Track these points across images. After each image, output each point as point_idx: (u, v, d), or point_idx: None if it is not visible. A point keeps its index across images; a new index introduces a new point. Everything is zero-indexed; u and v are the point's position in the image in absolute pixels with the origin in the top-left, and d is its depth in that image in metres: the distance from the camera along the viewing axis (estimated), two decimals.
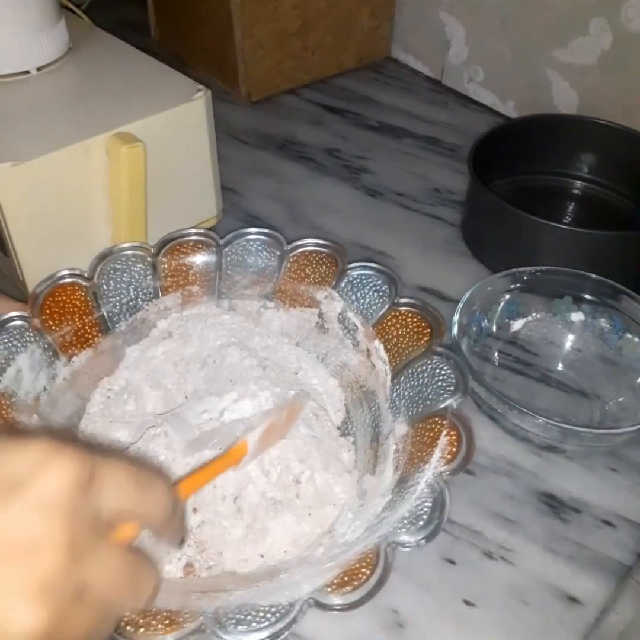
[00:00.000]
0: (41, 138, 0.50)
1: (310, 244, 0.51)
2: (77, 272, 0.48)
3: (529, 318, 0.52)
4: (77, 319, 0.48)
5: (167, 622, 0.30)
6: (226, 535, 0.39)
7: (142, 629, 0.30)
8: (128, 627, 0.30)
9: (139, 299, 0.50)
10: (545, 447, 0.45)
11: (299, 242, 0.51)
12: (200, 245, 0.52)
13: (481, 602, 0.40)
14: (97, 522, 0.25)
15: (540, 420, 0.41)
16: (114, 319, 0.49)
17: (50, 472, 0.24)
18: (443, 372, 0.41)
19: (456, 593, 0.40)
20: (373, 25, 0.86)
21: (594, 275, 0.50)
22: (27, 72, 0.56)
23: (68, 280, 0.47)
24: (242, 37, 0.77)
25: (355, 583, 0.31)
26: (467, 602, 0.40)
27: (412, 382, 0.43)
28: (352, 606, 0.31)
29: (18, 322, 0.45)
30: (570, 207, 0.67)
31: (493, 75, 0.80)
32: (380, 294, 0.48)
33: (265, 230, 0.52)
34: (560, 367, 0.51)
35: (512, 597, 0.40)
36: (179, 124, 0.54)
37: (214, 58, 0.84)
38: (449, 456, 0.36)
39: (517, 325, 0.52)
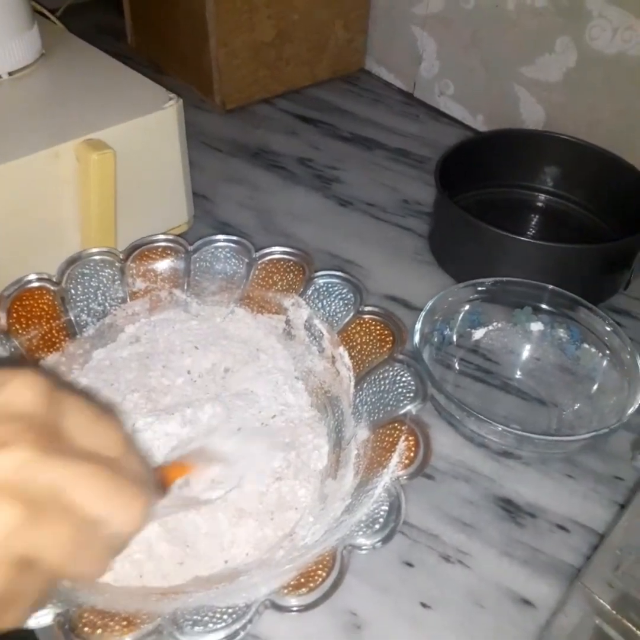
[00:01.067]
0: (11, 143, 0.50)
1: (278, 251, 0.52)
2: (45, 276, 0.48)
3: (490, 327, 0.54)
4: (44, 323, 0.48)
5: (124, 622, 0.31)
6: (190, 541, 0.39)
7: (99, 630, 0.30)
8: (85, 628, 0.31)
9: (107, 304, 0.51)
10: (502, 453, 0.46)
11: (267, 250, 0.52)
12: (169, 251, 0.52)
13: (438, 605, 0.41)
14: (63, 435, 0.25)
15: (498, 428, 0.43)
16: (82, 324, 0.50)
17: (15, 386, 0.24)
18: (404, 379, 0.42)
19: (414, 595, 0.41)
20: (347, 37, 0.88)
21: (552, 287, 0.51)
22: None
23: (35, 284, 0.48)
24: (217, 46, 0.78)
25: (311, 585, 0.32)
26: (424, 605, 0.41)
27: (374, 388, 0.44)
28: (307, 607, 0.31)
29: None
30: (535, 220, 0.69)
31: (463, 89, 0.82)
32: (346, 302, 0.49)
33: (234, 238, 0.53)
34: (519, 375, 0.53)
35: (467, 600, 0.41)
36: (150, 132, 0.55)
37: (189, 66, 0.84)
38: (406, 461, 0.37)
39: (478, 334, 0.54)
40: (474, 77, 0.80)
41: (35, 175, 0.50)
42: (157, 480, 0.31)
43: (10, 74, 0.57)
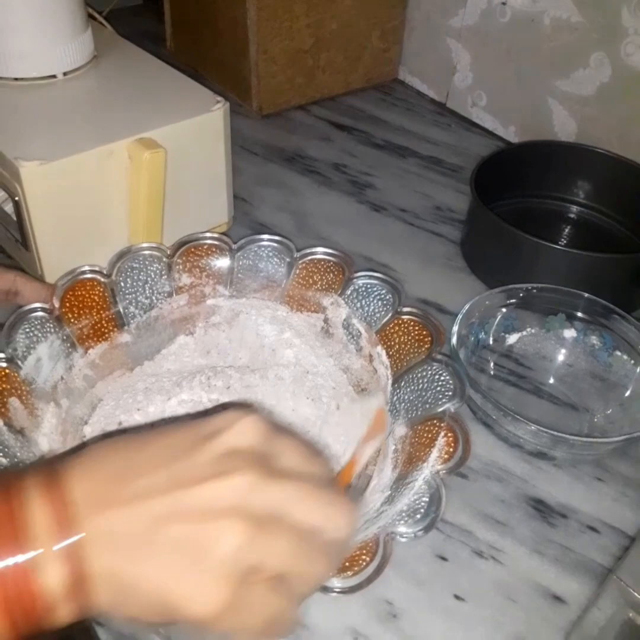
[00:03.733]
0: (67, 140, 0.52)
1: (319, 252, 0.54)
2: (97, 268, 0.50)
3: (524, 333, 0.55)
4: (94, 314, 0.50)
5: None
6: None
7: None
8: None
9: (154, 298, 0.53)
10: (535, 454, 0.47)
11: (308, 250, 0.54)
12: (214, 249, 0.54)
13: (470, 598, 0.42)
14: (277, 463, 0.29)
15: (533, 427, 0.44)
16: (130, 316, 0.51)
17: (242, 425, 0.29)
18: (442, 378, 0.44)
19: (447, 588, 0.42)
20: (382, 47, 0.90)
21: (587, 295, 0.52)
22: (54, 76, 0.58)
23: (88, 276, 0.49)
24: (256, 53, 0.80)
25: (356, 569, 0.33)
26: (457, 597, 0.42)
27: (412, 387, 0.45)
28: (352, 590, 0.33)
29: (40, 313, 0.47)
30: (566, 230, 0.70)
31: (496, 100, 0.83)
32: (384, 302, 0.51)
33: (277, 237, 0.55)
34: (551, 380, 0.54)
35: (500, 594, 0.42)
36: (197, 133, 0.57)
37: (227, 71, 0.86)
38: (446, 456, 0.39)
39: (512, 339, 0.55)
40: (507, 89, 0.81)
41: (89, 172, 0.52)
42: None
43: (65, 74, 0.59)
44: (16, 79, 0.57)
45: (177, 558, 0.26)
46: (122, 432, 0.37)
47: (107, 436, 0.32)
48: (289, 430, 0.32)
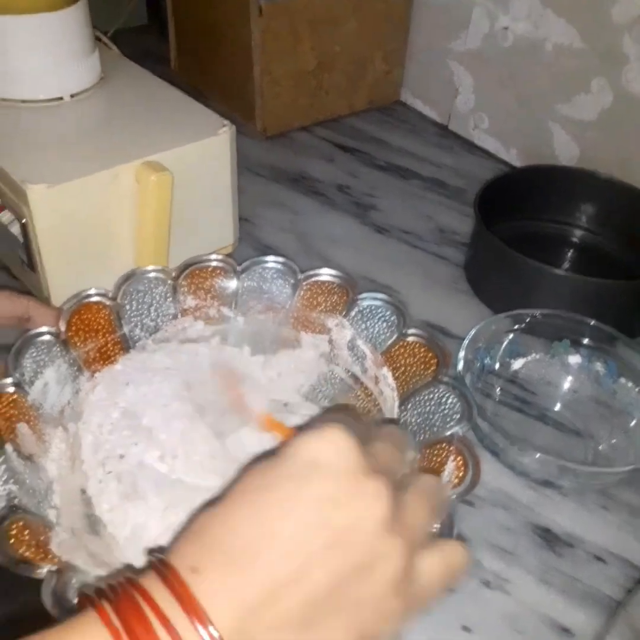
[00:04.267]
0: (74, 162, 0.52)
1: (323, 274, 0.54)
2: (103, 291, 0.50)
3: (529, 358, 0.55)
4: (100, 337, 0.49)
5: None
6: None
7: None
8: None
9: (159, 320, 0.52)
10: (542, 483, 0.47)
11: (312, 272, 0.54)
12: (219, 271, 0.54)
13: (478, 629, 0.42)
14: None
15: (539, 456, 0.44)
16: (135, 338, 0.51)
17: (341, 450, 0.27)
18: (449, 400, 0.44)
19: (455, 619, 0.42)
20: (385, 69, 0.90)
21: (592, 321, 0.53)
22: (61, 98, 0.59)
23: (94, 299, 0.49)
24: (260, 74, 0.81)
25: None
26: (465, 628, 0.42)
27: (419, 410, 0.45)
28: None
29: (46, 337, 0.46)
30: (569, 254, 0.70)
31: (498, 123, 0.84)
32: (389, 324, 0.50)
33: (281, 259, 0.55)
34: (557, 407, 0.54)
35: (507, 626, 0.42)
36: (203, 156, 0.57)
37: (231, 92, 0.87)
38: (456, 480, 0.38)
39: (517, 364, 0.55)
40: (509, 113, 0.82)
41: (96, 194, 0.52)
42: None
43: (72, 96, 0.59)
44: (23, 101, 0.58)
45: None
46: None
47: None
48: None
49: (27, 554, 0.36)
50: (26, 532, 0.37)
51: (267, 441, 0.48)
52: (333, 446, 0.27)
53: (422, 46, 0.89)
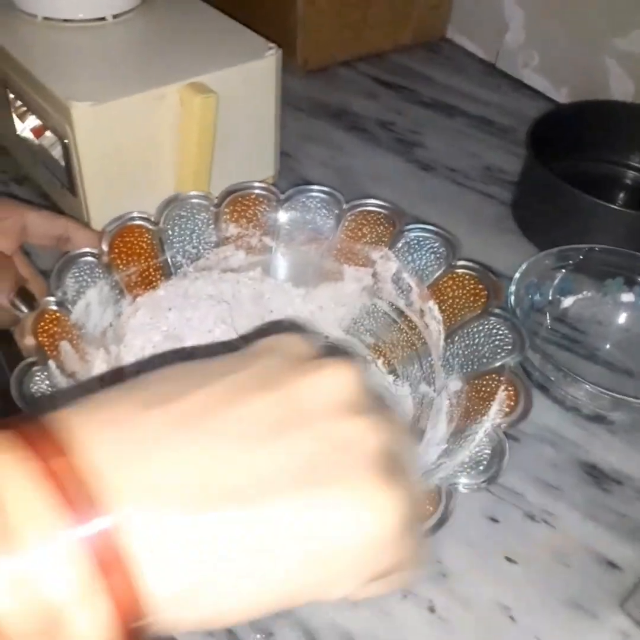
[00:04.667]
0: (118, 82, 0.51)
1: (369, 204, 0.52)
2: (145, 215, 0.49)
3: (580, 296, 0.53)
4: (142, 261, 0.49)
5: None
6: None
7: None
8: None
9: (201, 247, 0.52)
10: (592, 418, 0.46)
11: (358, 202, 0.52)
12: (261, 199, 0.53)
13: (522, 560, 0.41)
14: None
15: (593, 389, 0.42)
16: (177, 265, 0.51)
17: (293, 341, 0.24)
18: (500, 332, 0.42)
19: (498, 550, 0.41)
20: (432, 3, 0.87)
21: None
22: (104, 18, 0.57)
23: (137, 222, 0.48)
24: (304, 4, 0.78)
25: (420, 519, 0.32)
26: (508, 559, 0.41)
27: (467, 342, 0.44)
28: None
29: (89, 258, 0.46)
30: (620, 195, 0.67)
31: (549, 60, 0.80)
32: (437, 256, 0.49)
33: (325, 188, 0.53)
34: (607, 345, 0.52)
35: (552, 558, 0.41)
36: (249, 80, 0.55)
37: (273, 24, 0.83)
38: (507, 409, 0.37)
39: (567, 302, 0.53)
40: (561, 49, 0.78)
41: (140, 115, 0.51)
42: None
43: (114, 16, 0.57)
44: (65, 20, 0.56)
45: (310, 484, 0.20)
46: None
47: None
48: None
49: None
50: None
51: None
52: (291, 338, 0.24)
53: None
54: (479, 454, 0.36)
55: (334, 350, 0.29)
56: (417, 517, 0.24)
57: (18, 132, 0.60)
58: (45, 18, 0.56)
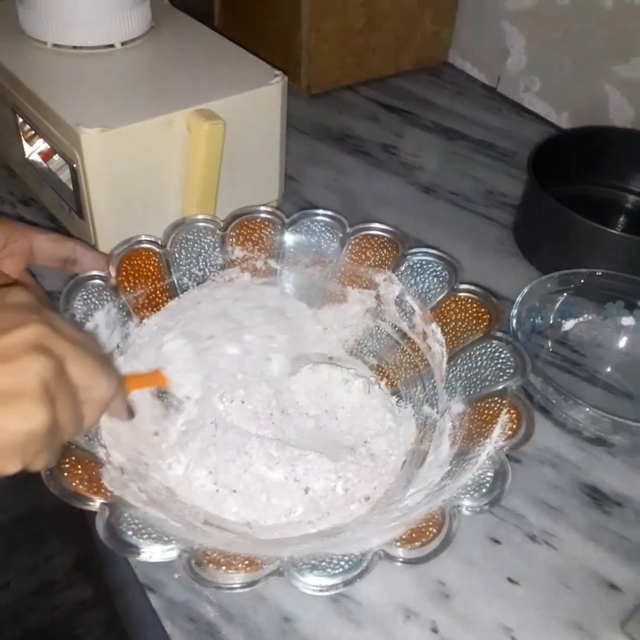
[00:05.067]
0: (127, 108, 0.52)
1: (373, 228, 0.53)
2: (153, 238, 0.50)
3: (581, 319, 0.54)
4: (150, 283, 0.50)
5: (246, 562, 0.32)
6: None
7: (223, 567, 0.32)
8: (210, 565, 0.32)
9: (207, 270, 0.52)
10: (593, 440, 0.47)
11: (362, 226, 0.53)
12: (267, 223, 0.54)
13: (524, 581, 0.41)
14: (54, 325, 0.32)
15: (592, 412, 0.43)
16: (183, 287, 0.51)
17: (14, 291, 0.33)
18: (502, 355, 0.43)
19: (500, 570, 0.42)
20: (434, 29, 0.88)
21: None
22: (112, 46, 0.58)
23: (144, 245, 0.49)
24: (308, 30, 0.79)
25: (423, 540, 0.33)
26: (511, 580, 0.41)
27: (470, 365, 0.45)
28: (419, 561, 0.32)
29: (97, 281, 0.47)
30: (620, 219, 0.68)
31: (550, 85, 0.82)
32: (440, 279, 0.50)
33: (330, 213, 0.54)
34: (608, 368, 0.53)
35: (554, 579, 0.42)
36: (255, 107, 0.56)
37: (277, 49, 0.85)
38: (509, 432, 0.38)
39: (568, 325, 0.54)
40: (562, 74, 0.79)
41: (148, 141, 0.52)
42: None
43: (123, 44, 0.59)
44: (74, 47, 0.57)
45: None
46: None
47: None
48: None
49: (80, 487, 0.36)
50: (79, 467, 0.37)
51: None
52: (9, 291, 0.33)
53: (473, 5, 0.87)
54: (482, 476, 0.36)
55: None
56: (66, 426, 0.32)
57: (26, 156, 0.61)
58: (55, 45, 0.57)
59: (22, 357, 0.30)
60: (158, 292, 0.50)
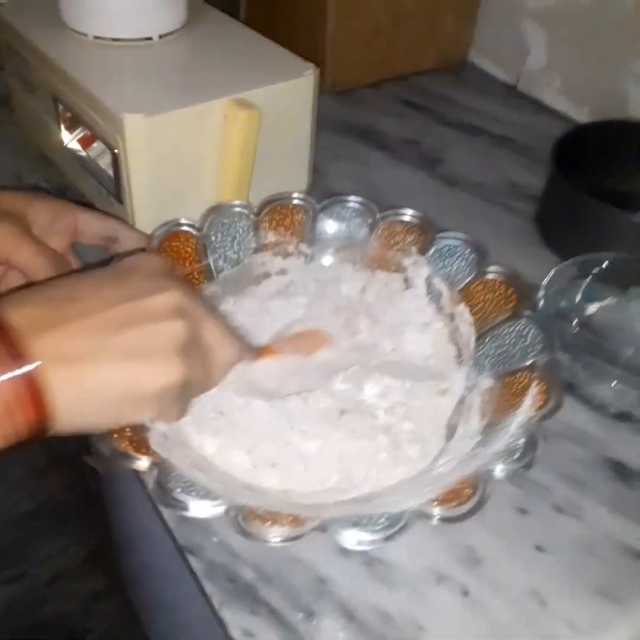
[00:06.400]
0: (167, 96, 0.54)
1: (401, 213, 0.55)
2: (191, 222, 0.52)
3: (604, 303, 0.55)
4: (187, 265, 0.52)
5: (291, 518, 0.34)
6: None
7: (269, 522, 0.34)
8: (256, 520, 0.34)
9: (241, 253, 0.54)
10: (618, 416, 0.48)
11: (391, 211, 0.55)
12: (299, 208, 0.55)
13: (551, 549, 0.43)
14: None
15: (619, 386, 0.44)
16: (219, 269, 0.53)
17: (151, 258, 0.39)
18: (530, 333, 0.45)
19: (528, 539, 0.43)
20: (456, 28, 0.90)
21: None
22: (150, 38, 0.60)
23: (183, 228, 0.51)
24: (334, 29, 0.81)
25: (459, 500, 0.34)
26: (538, 548, 0.43)
27: (498, 342, 0.46)
28: (456, 519, 0.34)
29: None
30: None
31: (570, 82, 0.83)
32: (468, 262, 0.52)
33: (360, 199, 0.56)
34: (630, 351, 0.54)
35: (580, 548, 0.43)
36: (288, 97, 0.58)
37: (302, 46, 0.86)
38: (540, 403, 0.39)
39: (591, 309, 0.55)
40: (582, 71, 0.81)
41: (187, 128, 0.54)
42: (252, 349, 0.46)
43: (160, 37, 0.61)
44: (114, 39, 0.60)
45: (135, 353, 0.33)
46: None
47: None
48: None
49: (129, 448, 0.38)
50: (127, 429, 0.39)
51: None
52: (149, 258, 0.39)
53: (494, 5, 0.89)
54: (513, 444, 0.38)
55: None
56: (198, 385, 0.38)
57: (65, 144, 0.63)
58: (96, 37, 0.60)
59: (165, 319, 0.34)
60: (195, 273, 0.52)
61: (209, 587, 0.41)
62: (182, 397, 0.36)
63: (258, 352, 0.48)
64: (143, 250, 0.49)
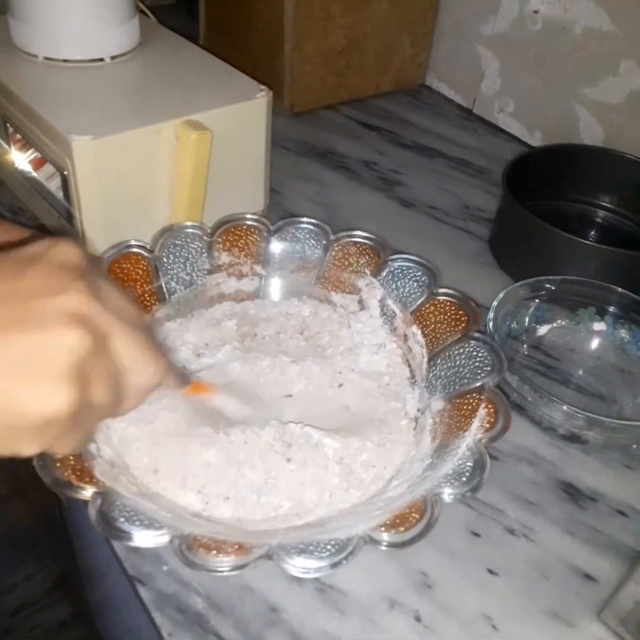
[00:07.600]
0: (117, 118, 0.53)
1: (355, 235, 0.55)
2: (142, 243, 0.51)
3: (554, 325, 0.56)
4: (138, 287, 0.51)
5: (236, 547, 0.33)
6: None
7: (214, 551, 0.33)
8: (201, 549, 0.33)
9: (194, 274, 0.54)
10: (568, 437, 0.48)
11: (345, 233, 0.55)
12: (253, 230, 0.55)
13: (504, 572, 0.43)
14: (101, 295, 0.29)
15: (568, 409, 0.45)
16: (171, 291, 0.53)
17: (62, 245, 0.29)
18: (480, 354, 0.45)
19: (480, 562, 0.43)
20: (412, 52, 0.92)
21: (619, 289, 0.54)
22: (102, 60, 0.60)
23: (134, 250, 0.51)
24: (291, 51, 0.82)
25: (406, 525, 0.34)
26: (490, 571, 0.43)
27: (449, 364, 0.47)
28: (403, 545, 0.34)
29: None
30: (591, 234, 0.71)
31: (523, 107, 0.85)
32: (420, 284, 0.52)
33: (314, 220, 0.56)
34: (580, 372, 0.55)
35: (532, 570, 0.43)
36: (241, 119, 0.58)
37: (261, 69, 0.87)
38: (487, 425, 0.40)
39: (542, 330, 0.56)
40: (535, 96, 0.83)
41: (137, 149, 0.53)
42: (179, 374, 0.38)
43: (112, 58, 0.60)
44: (65, 61, 0.59)
45: (14, 369, 0.26)
46: None
47: None
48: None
49: (72, 477, 0.37)
50: (71, 457, 0.38)
51: None
52: (61, 247, 0.29)
53: (450, 30, 0.91)
54: (462, 466, 0.38)
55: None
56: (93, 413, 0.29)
57: (16, 165, 0.62)
58: (46, 58, 0.59)
59: (55, 327, 0.26)
60: (146, 295, 0.51)
61: (158, 617, 0.40)
62: (76, 426, 0.28)
63: (193, 386, 0.45)
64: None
